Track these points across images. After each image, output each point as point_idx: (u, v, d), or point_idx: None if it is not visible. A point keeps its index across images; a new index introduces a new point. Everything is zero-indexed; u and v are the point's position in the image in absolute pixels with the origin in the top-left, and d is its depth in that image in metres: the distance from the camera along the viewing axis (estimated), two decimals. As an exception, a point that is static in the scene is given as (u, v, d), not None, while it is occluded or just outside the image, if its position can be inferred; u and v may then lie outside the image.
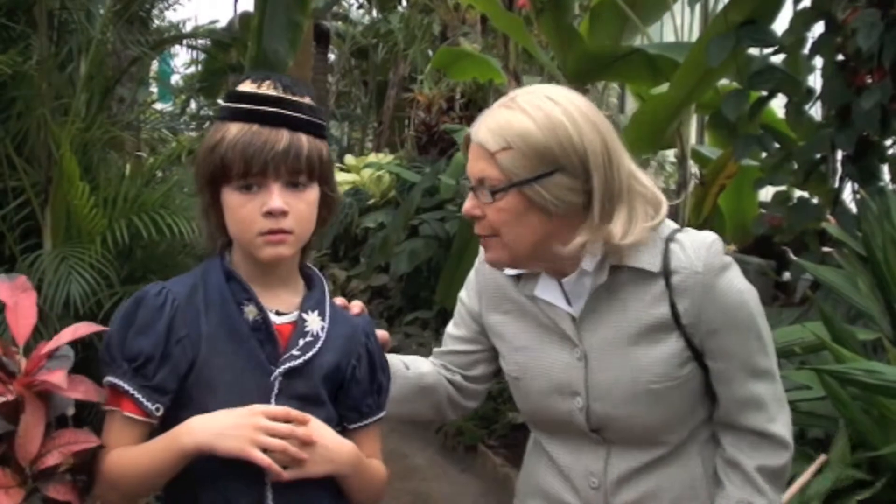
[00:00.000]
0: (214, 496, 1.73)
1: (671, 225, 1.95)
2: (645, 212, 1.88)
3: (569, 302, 1.95)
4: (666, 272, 1.88)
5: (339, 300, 1.96)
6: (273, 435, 1.68)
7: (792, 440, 1.97)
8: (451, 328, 2.20)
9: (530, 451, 2.17)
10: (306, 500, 1.78)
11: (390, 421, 2.00)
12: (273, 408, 1.72)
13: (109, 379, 1.74)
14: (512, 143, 1.80)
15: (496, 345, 2.09)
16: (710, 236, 1.92)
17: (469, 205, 1.90)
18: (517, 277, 2.02)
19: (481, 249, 2.02)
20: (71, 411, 1.75)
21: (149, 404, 1.74)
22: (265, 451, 1.66)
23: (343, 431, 1.88)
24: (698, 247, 1.88)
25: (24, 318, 1.76)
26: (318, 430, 1.76)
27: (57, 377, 1.65)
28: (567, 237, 1.85)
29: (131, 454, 1.74)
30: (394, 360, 2.09)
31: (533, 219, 1.84)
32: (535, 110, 1.82)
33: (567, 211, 1.83)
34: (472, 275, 2.16)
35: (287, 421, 1.71)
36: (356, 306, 1.96)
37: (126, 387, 1.73)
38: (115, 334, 1.76)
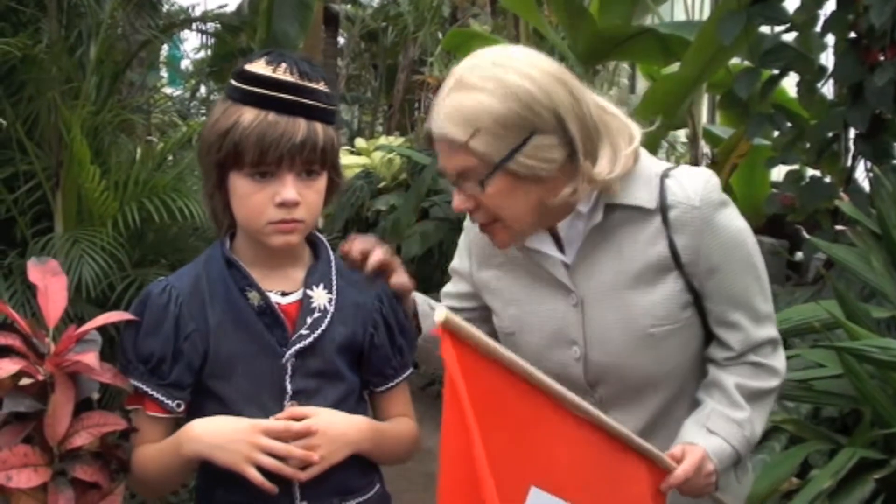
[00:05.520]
0: (246, 481, 1.72)
1: (664, 163, 1.91)
2: (622, 139, 1.83)
3: (561, 250, 1.91)
4: (662, 208, 1.83)
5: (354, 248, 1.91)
6: (273, 451, 1.69)
7: (784, 372, 1.96)
8: (448, 286, 2.17)
9: None
10: (333, 477, 1.78)
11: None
12: (273, 424, 1.71)
13: (130, 381, 1.76)
14: (479, 126, 1.71)
15: (489, 302, 2.05)
16: (706, 171, 1.88)
17: (458, 201, 1.82)
18: None
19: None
20: (96, 395, 1.76)
21: (169, 402, 1.77)
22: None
23: (370, 395, 1.90)
24: (695, 181, 1.84)
25: (54, 301, 1.77)
26: (327, 421, 1.76)
27: (89, 358, 1.66)
28: (560, 191, 1.79)
29: (150, 453, 1.77)
30: (420, 300, 2.06)
31: (528, 189, 1.78)
32: (488, 82, 1.73)
33: (555, 169, 1.76)
34: (461, 237, 2.10)
35: (292, 432, 1.72)
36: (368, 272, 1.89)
37: (145, 388, 1.76)
38: (126, 337, 1.78)
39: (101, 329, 1.76)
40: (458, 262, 2.12)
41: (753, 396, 1.91)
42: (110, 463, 1.74)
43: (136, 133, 4.91)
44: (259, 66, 1.74)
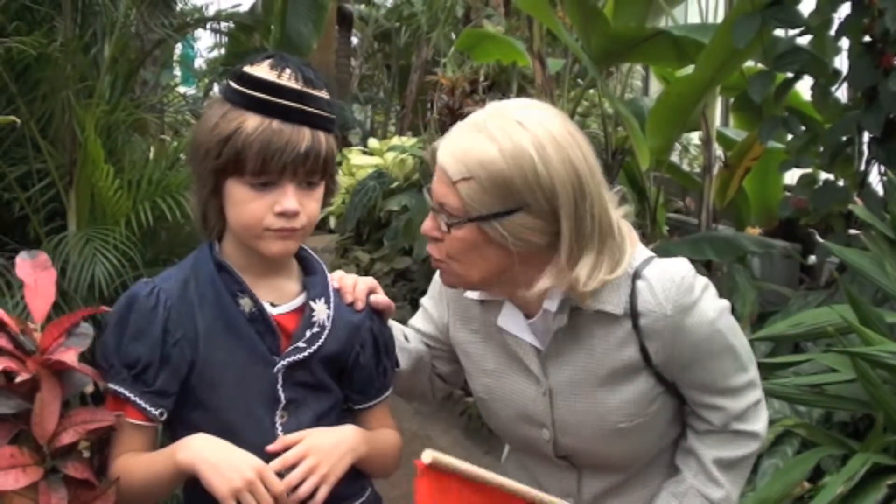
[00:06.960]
0: None
1: (639, 255, 1.82)
2: (611, 259, 1.74)
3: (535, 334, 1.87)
4: (633, 314, 1.77)
5: (338, 282, 1.88)
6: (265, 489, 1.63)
7: (765, 432, 1.92)
8: (417, 322, 2.10)
9: (508, 458, 2.17)
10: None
11: (410, 402, 1.99)
12: (273, 476, 1.66)
13: (111, 386, 1.71)
14: (473, 174, 1.66)
15: (463, 362, 2.01)
16: (680, 270, 1.79)
17: (428, 225, 1.78)
18: (481, 301, 1.92)
19: None
20: (90, 389, 1.74)
21: (152, 410, 1.71)
22: None
23: (350, 411, 1.87)
24: (667, 286, 1.76)
25: (42, 296, 1.76)
26: (319, 439, 1.74)
27: (69, 356, 1.65)
28: (529, 277, 1.74)
29: (137, 462, 1.72)
30: (396, 330, 2.02)
31: (490, 252, 1.72)
32: (504, 137, 1.66)
33: (529, 250, 1.71)
34: (435, 277, 2.03)
35: (287, 464, 1.69)
36: (360, 300, 1.86)
37: (128, 394, 1.70)
38: (110, 339, 1.72)
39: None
40: (433, 306, 2.06)
41: (733, 465, 1.89)
42: (94, 460, 1.72)
43: (150, 132, 4.93)
44: (262, 70, 1.69)
